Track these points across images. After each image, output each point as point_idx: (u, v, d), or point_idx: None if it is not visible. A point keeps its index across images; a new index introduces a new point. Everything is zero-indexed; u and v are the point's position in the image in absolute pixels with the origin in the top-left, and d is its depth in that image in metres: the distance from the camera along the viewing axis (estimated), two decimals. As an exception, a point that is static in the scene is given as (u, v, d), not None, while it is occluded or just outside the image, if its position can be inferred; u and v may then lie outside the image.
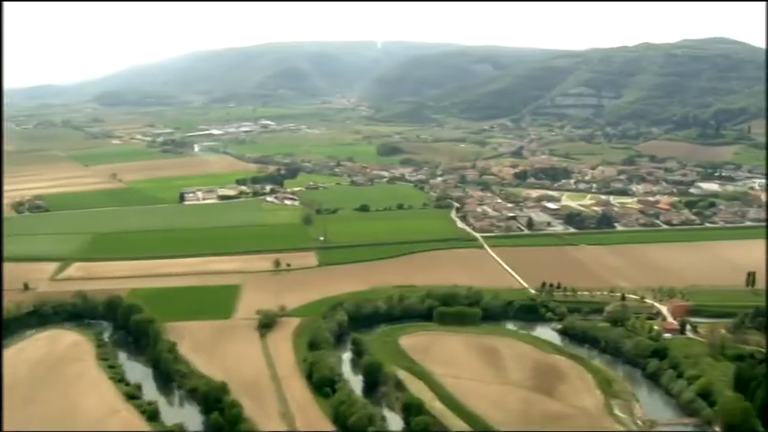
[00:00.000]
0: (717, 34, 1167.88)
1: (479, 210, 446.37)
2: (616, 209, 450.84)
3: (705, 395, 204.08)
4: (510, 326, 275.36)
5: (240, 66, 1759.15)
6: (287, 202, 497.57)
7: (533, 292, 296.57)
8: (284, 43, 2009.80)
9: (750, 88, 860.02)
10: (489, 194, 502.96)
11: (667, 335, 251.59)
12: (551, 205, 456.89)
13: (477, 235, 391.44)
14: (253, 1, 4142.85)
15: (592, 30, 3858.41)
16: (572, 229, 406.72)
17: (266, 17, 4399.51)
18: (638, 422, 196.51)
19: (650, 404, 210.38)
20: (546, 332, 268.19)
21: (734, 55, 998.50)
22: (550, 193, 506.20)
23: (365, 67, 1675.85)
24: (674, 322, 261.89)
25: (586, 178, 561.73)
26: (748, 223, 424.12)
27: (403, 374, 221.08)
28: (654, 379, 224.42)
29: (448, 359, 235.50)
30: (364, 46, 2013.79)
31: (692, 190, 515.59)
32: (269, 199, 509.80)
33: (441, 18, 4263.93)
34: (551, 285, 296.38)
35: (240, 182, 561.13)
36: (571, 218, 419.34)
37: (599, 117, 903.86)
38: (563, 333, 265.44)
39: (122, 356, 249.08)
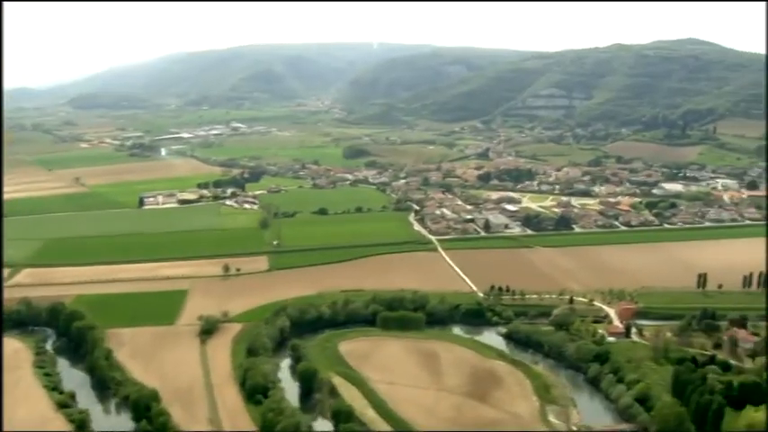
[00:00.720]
0: (689, 35, 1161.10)
1: (438, 212, 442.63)
2: (576, 210, 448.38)
3: (643, 400, 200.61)
4: (456, 330, 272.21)
5: (216, 68, 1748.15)
6: (246, 205, 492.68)
7: (481, 295, 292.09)
8: (261, 45, 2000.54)
9: (719, 89, 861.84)
10: (450, 197, 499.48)
11: (611, 338, 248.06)
12: (510, 207, 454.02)
13: (433, 238, 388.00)
14: (231, 1, 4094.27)
15: (567, 31, 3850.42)
16: (529, 231, 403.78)
17: (243, 19, 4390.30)
18: (573, 428, 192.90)
19: (588, 410, 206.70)
20: (491, 337, 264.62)
21: (703, 56, 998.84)
22: (512, 194, 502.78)
23: (341, 70, 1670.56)
24: (620, 326, 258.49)
25: (550, 180, 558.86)
26: (707, 224, 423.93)
27: (338, 381, 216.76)
28: (595, 384, 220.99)
29: (385, 365, 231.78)
30: (340, 48, 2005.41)
31: (655, 191, 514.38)
32: (228, 203, 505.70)
33: (417, 20, 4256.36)
34: (500, 289, 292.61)
35: (202, 186, 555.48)
36: (529, 220, 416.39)
37: (569, 118, 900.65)
38: (508, 337, 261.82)
39: (63, 364, 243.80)
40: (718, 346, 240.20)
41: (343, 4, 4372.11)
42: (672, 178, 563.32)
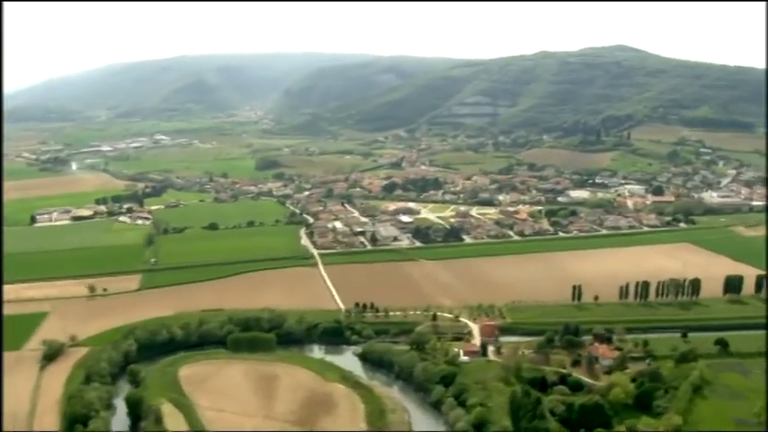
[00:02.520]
0: (620, 42, 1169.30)
1: (330, 225, 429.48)
2: (473, 220, 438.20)
3: (481, 425, 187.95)
4: (316, 350, 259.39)
5: (151, 79, 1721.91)
6: (139, 221, 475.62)
7: (345, 313, 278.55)
8: (197, 56, 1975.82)
9: (640, 95, 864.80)
10: (349, 209, 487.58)
11: (465, 358, 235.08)
12: (405, 218, 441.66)
13: (316, 252, 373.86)
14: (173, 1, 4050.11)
15: (503, 37, 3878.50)
16: (418, 244, 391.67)
17: (180, 29, 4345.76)
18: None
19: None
20: (348, 358, 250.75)
21: (626, 62, 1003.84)
22: (412, 205, 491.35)
23: (278, 79, 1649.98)
24: (476, 344, 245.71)
25: (457, 189, 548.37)
26: (604, 232, 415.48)
27: (168, 408, 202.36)
28: (438, 407, 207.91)
29: (221, 390, 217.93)
30: (278, 57, 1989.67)
31: (560, 198, 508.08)
32: (122, 219, 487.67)
33: (352, 29, 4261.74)
34: (365, 306, 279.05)
35: (100, 201, 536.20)
36: (419, 231, 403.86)
37: (494, 126, 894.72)
38: (363, 358, 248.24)
39: None
40: (576, 363, 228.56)
41: (282, 13, 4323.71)
42: (581, 185, 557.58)
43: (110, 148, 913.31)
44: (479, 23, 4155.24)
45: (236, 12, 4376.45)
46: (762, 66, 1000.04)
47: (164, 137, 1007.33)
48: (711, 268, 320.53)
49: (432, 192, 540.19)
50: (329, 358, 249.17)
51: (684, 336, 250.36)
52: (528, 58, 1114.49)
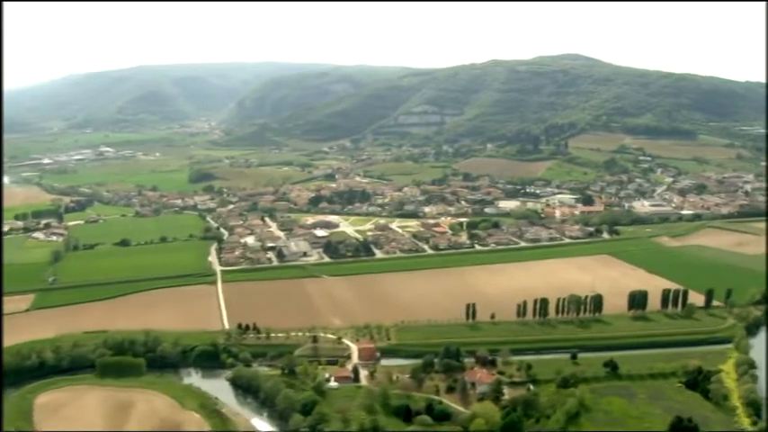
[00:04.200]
0: (575, 50, 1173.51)
1: (242, 241, 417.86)
2: (390, 234, 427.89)
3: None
4: (193, 374, 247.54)
5: (107, 89, 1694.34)
6: (54, 237, 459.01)
7: (226, 335, 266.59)
8: (156, 66, 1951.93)
9: (585, 102, 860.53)
10: (268, 222, 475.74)
11: (335, 383, 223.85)
12: (320, 232, 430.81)
13: (220, 269, 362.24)
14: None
15: (456, 46, 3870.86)
16: (327, 259, 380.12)
17: (141, 38, 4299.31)
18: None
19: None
20: (220, 382, 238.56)
21: (573, 70, 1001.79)
22: (333, 218, 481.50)
23: (235, 89, 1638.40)
24: (348, 369, 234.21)
25: (384, 201, 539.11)
26: (523, 244, 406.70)
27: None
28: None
29: (72, 419, 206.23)
30: (236, 67, 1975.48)
31: (487, 209, 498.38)
32: (35, 235, 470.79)
33: (313, 38, 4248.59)
34: (247, 327, 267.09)
35: (20, 217, 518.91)
36: (330, 246, 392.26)
37: (440, 135, 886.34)
38: (233, 383, 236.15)
39: None
40: (451, 389, 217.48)
41: (243, 22, 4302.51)
42: (513, 195, 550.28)
43: (50, 161, 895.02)
44: (438, 31, 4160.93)
45: (197, 21, 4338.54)
46: (702, 73, 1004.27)
47: (108, 149, 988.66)
48: (624, 282, 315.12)
49: (358, 204, 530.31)
50: (201, 384, 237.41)
51: (574, 357, 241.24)
52: (477, 66, 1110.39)
